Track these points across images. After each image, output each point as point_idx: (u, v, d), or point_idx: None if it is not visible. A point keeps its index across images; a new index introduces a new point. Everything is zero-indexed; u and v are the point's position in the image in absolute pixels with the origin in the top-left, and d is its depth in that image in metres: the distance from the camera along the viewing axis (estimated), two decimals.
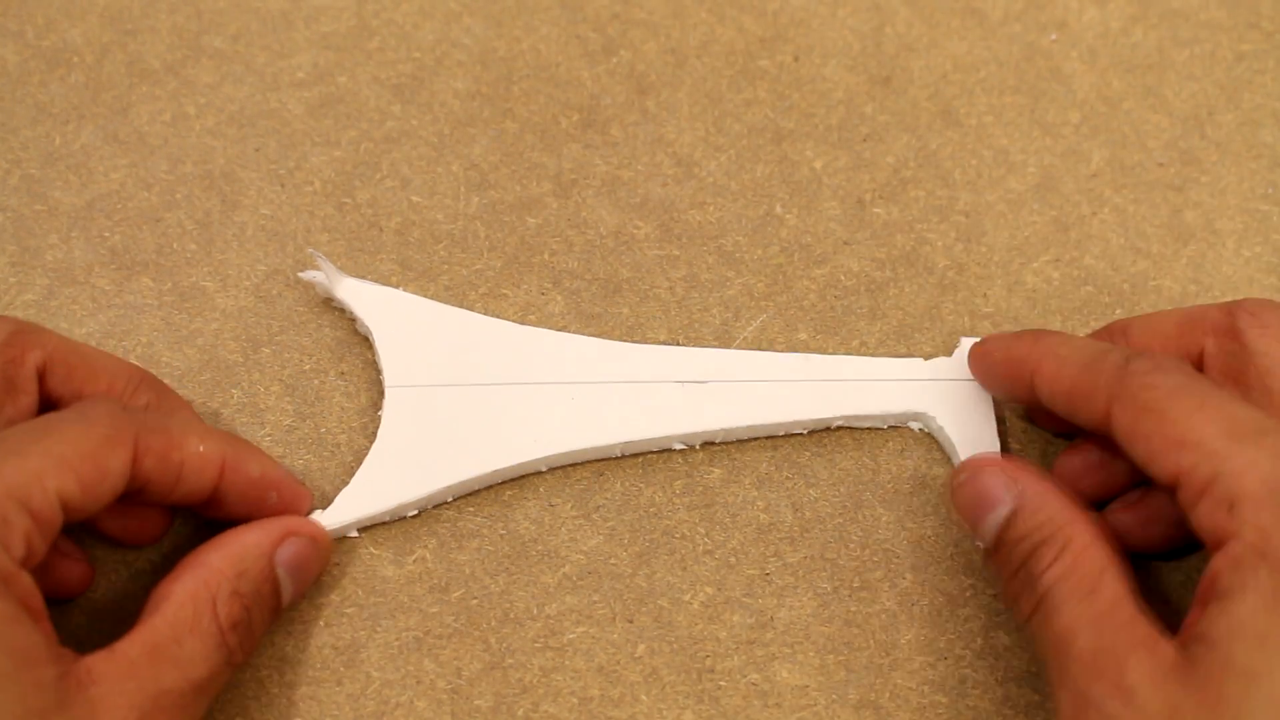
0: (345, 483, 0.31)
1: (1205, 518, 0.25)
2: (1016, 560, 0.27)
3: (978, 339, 0.34)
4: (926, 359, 0.33)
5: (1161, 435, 0.26)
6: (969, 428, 0.32)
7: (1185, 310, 0.30)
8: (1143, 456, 0.26)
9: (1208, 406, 0.25)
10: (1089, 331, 0.35)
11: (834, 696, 0.30)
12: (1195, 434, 0.25)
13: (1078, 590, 0.26)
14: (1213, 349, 0.29)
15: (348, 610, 0.30)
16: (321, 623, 0.30)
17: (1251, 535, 0.23)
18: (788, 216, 0.36)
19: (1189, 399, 0.26)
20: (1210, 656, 0.23)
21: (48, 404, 0.29)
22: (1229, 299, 0.35)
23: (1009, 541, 0.27)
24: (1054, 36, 0.39)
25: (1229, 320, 0.29)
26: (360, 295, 0.34)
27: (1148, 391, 0.26)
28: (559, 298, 0.35)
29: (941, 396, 0.32)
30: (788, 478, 0.32)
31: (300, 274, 0.34)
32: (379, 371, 0.33)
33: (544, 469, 0.32)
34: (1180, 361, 0.27)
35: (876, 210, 0.36)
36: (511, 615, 0.30)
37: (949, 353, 0.34)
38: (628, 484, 0.32)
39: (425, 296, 0.34)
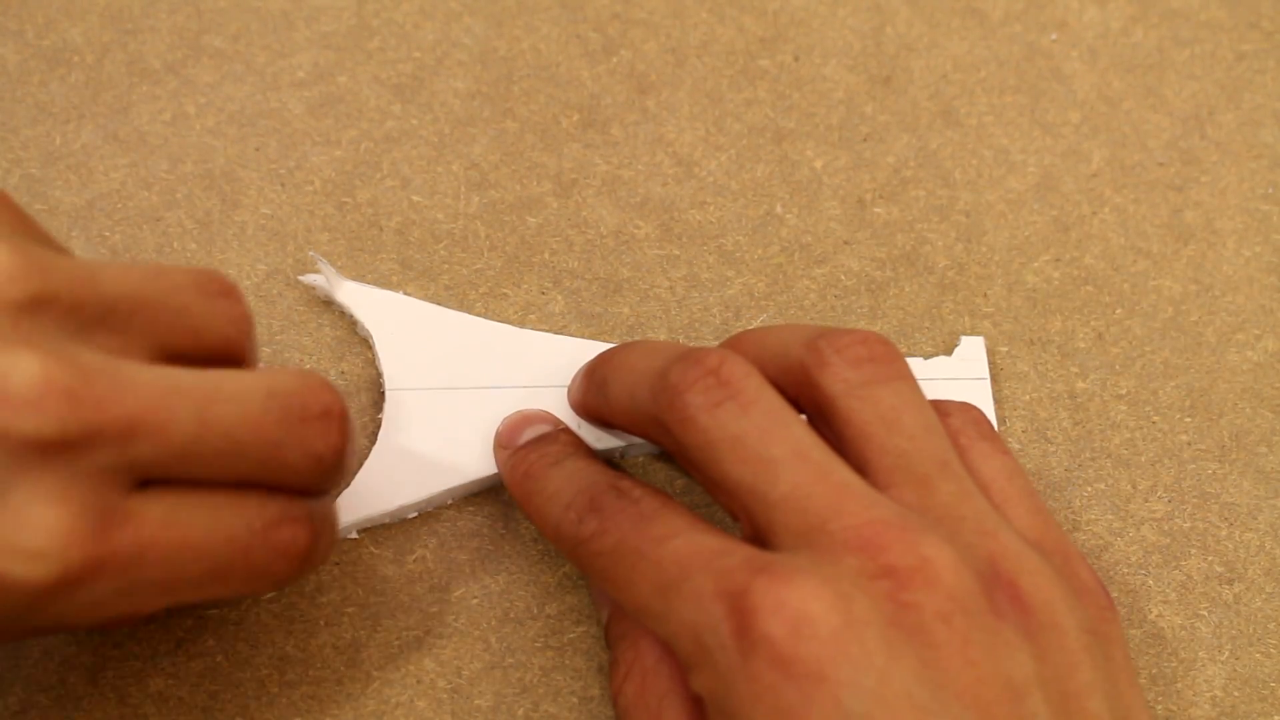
0: (346, 484, 0.31)
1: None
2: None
3: (978, 338, 0.34)
4: (926, 359, 0.33)
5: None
6: None
7: (781, 337, 0.27)
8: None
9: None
10: (1090, 331, 0.35)
11: None
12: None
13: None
14: (805, 403, 0.27)
15: (348, 610, 0.30)
16: (321, 622, 0.30)
17: (706, 698, 0.23)
18: (788, 216, 0.36)
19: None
20: None
21: None
22: (1228, 298, 0.35)
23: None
24: (1054, 36, 0.39)
25: (803, 367, 0.26)
26: (360, 299, 0.34)
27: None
28: (559, 297, 0.35)
29: (941, 395, 0.32)
30: None
31: (300, 277, 0.34)
32: (379, 374, 0.33)
33: None
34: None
35: (877, 210, 0.36)
36: (512, 615, 0.30)
37: (949, 352, 0.34)
38: None
39: (426, 296, 0.34)
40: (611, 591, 0.25)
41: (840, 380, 0.25)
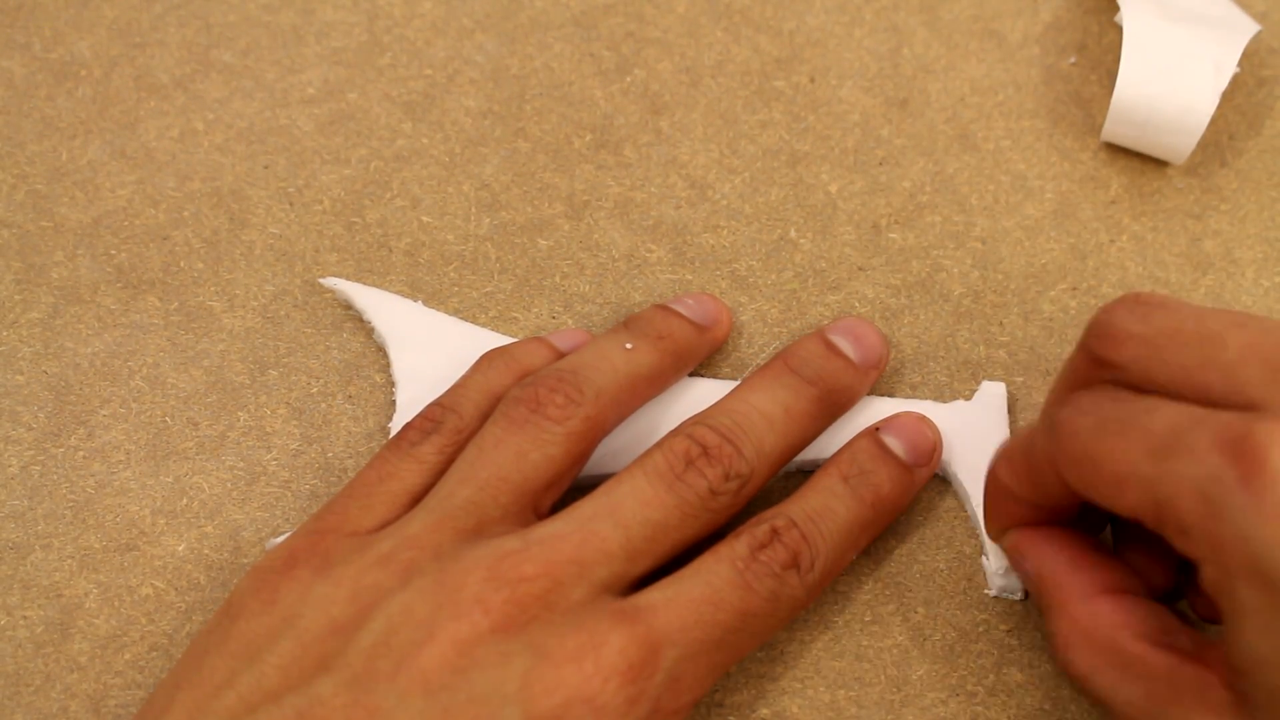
0: None
1: (1176, 545, 0.23)
2: None
3: (998, 383, 0.33)
4: (942, 399, 0.33)
5: (1103, 482, 0.24)
6: (984, 474, 0.31)
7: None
8: (1110, 508, 0.25)
9: (1128, 430, 0.24)
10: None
11: None
12: (1126, 467, 0.24)
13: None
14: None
15: None
16: None
17: (1211, 555, 0.23)
18: (802, 241, 0.36)
19: (1110, 432, 0.24)
20: (1252, 690, 0.23)
21: None
22: None
23: None
24: (1073, 60, 0.39)
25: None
26: (377, 305, 0.33)
27: (1074, 442, 0.25)
28: (570, 322, 0.34)
29: (958, 443, 0.32)
30: None
31: (320, 280, 0.34)
32: (393, 385, 0.33)
33: None
34: (1102, 389, 0.25)
35: (892, 235, 0.36)
36: None
37: (965, 383, 0.33)
38: None
39: None
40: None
41: None
